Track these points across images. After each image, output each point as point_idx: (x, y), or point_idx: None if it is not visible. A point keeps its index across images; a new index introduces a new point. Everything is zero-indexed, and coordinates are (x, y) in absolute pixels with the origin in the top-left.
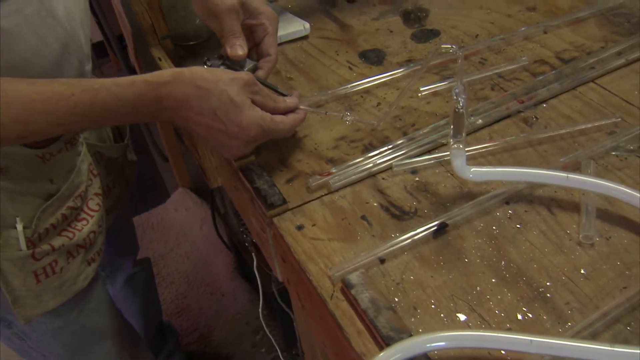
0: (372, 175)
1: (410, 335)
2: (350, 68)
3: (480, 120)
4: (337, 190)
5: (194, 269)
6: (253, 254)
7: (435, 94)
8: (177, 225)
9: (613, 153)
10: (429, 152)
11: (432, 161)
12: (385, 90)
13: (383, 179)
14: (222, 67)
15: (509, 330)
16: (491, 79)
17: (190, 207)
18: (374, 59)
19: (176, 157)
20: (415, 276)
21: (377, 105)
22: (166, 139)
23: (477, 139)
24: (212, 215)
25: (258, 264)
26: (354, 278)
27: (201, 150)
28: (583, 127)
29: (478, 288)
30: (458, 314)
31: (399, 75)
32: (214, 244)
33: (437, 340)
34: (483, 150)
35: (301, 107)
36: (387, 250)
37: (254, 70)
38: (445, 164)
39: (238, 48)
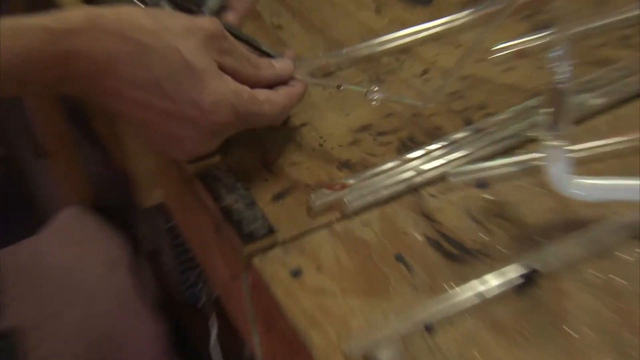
0: (414, 189)
1: None
2: (378, 10)
3: (598, 100)
4: (356, 214)
5: (94, 347)
6: (211, 318)
7: (520, 55)
8: (64, 270)
9: None
10: (507, 152)
11: (512, 168)
12: (437, 48)
13: (432, 196)
14: (167, 7)
15: None
16: (619, 27)
17: (89, 238)
18: None
19: (64, 152)
20: (485, 354)
21: (423, 75)
22: (47, 120)
23: (591, 131)
24: (131, 253)
25: (221, 335)
26: (385, 355)
27: (128, 144)
28: None
29: None
30: None
31: (459, 22)
32: (131, 304)
33: None
34: (601, 149)
35: (297, 76)
36: (439, 312)
37: (219, 11)
38: (534, 172)
39: None
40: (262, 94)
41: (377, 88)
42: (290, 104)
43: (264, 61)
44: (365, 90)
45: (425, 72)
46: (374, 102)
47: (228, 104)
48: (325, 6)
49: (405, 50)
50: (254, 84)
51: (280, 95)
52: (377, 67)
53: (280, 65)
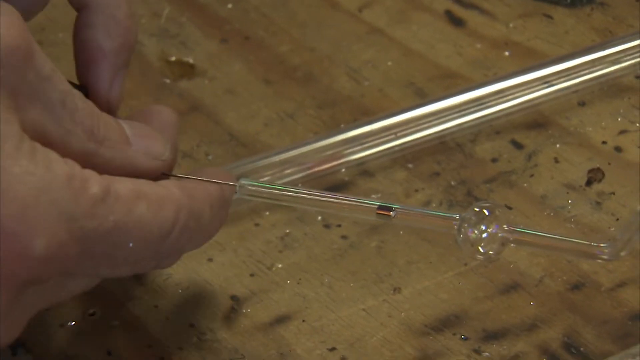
0: None
1: None
2: (456, 18)
3: None
4: None
5: None
6: None
7: None
8: None
9: None
10: None
11: None
12: (617, 120)
13: None
14: None
15: None
16: None
17: None
18: None
19: None
20: None
21: (590, 184)
22: None
23: None
24: None
25: None
26: None
27: None
28: None
29: None
30: None
31: None
32: None
33: None
34: None
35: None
36: None
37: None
38: None
39: None
40: (126, 184)
41: (473, 219)
42: (199, 208)
43: (109, 127)
44: (453, 225)
45: (593, 177)
46: (477, 257)
47: (52, 208)
48: (317, 13)
49: (539, 122)
50: None
51: (170, 191)
52: (467, 166)
53: (141, 145)
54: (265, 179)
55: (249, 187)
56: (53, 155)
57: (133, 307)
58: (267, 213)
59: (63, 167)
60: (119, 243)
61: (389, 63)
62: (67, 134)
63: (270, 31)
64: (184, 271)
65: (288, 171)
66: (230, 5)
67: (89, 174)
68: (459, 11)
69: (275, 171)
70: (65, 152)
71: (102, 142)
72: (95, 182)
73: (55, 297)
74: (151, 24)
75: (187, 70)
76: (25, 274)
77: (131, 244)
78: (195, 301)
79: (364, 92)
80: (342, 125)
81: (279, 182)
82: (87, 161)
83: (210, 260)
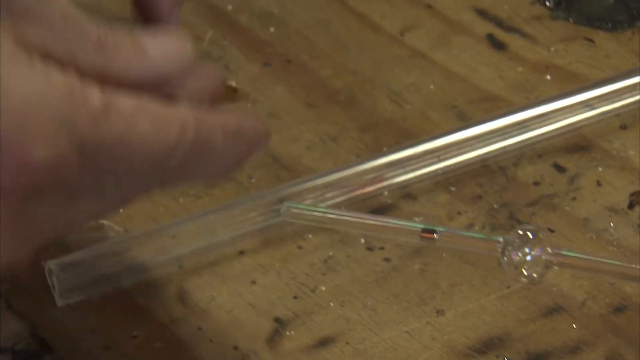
0: None
1: None
2: (497, 42)
3: None
4: None
5: None
6: None
7: None
8: None
9: None
10: None
11: None
12: None
13: None
14: None
15: None
16: None
17: None
18: None
19: None
20: None
21: (632, 207)
22: None
23: None
24: None
25: None
26: None
27: None
28: None
29: None
30: None
31: None
32: None
33: None
34: None
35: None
36: None
37: None
38: None
39: None
40: (128, 99)
41: (517, 241)
42: (208, 131)
43: (119, 35)
44: (497, 248)
45: (635, 200)
46: (521, 279)
47: (52, 118)
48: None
49: (581, 146)
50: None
51: (176, 109)
52: (510, 189)
53: (160, 47)
54: (308, 202)
55: (292, 210)
56: (52, 68)
57: (177, 329)
58: (310, 236)
59: (63, 79)
60: (121, 157)
61: (431, 86)
62: (73, 49)
63: (313, 55)
64: (228, 293)
65: (330, 194)
66: (272, 29)
67: (90, 87)
68: (500, 35)
69: (317, 194)
70: (73, 68)
71: (113, 51)
72: (96, 96)
73: (62, 219)
74: (194, 48)
75: (229, 93)
76: (27, 182)
77: (134, 159)
78: (239, 323)
79: (406, 115)
80: (385, 149)
81: (321, 205)
82: (100, 75)
83: (253, 282)
